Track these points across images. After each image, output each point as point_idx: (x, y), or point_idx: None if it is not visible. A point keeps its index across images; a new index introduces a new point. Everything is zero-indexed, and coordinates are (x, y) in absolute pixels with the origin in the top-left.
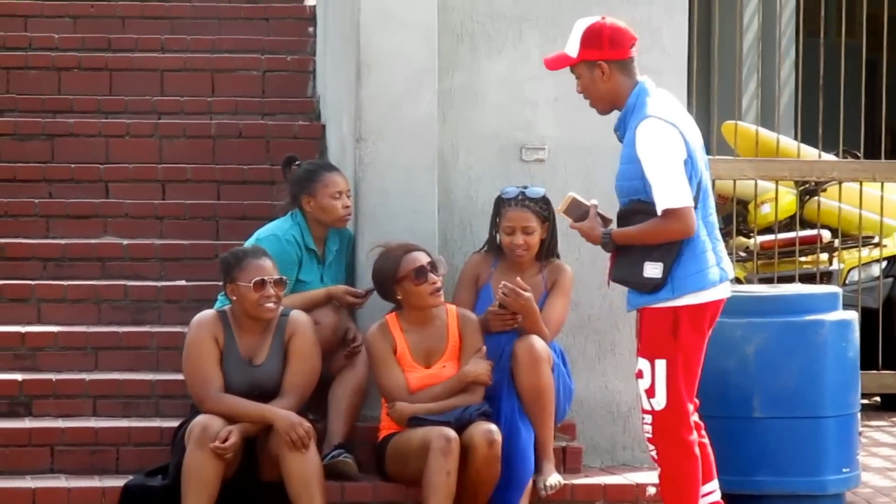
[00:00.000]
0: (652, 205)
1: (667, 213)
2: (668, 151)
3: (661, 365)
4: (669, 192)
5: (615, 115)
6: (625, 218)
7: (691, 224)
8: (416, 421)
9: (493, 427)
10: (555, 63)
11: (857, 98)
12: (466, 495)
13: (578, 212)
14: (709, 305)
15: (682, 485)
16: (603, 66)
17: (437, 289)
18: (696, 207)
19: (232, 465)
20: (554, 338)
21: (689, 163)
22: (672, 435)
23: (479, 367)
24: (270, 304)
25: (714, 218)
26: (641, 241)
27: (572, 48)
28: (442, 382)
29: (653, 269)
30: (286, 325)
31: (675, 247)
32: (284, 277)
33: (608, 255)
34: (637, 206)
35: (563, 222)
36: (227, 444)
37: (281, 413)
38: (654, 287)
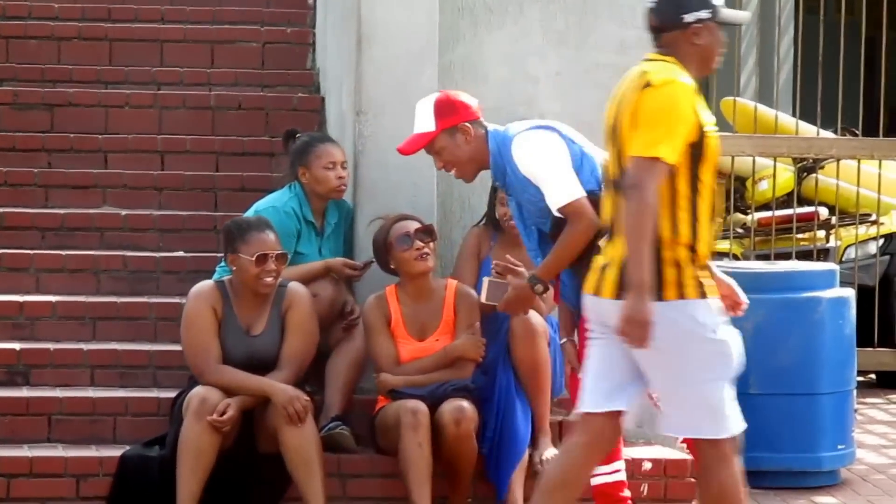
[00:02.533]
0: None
1: (563, 211)
2: (545, 153)
3: None
4: (558, 190)
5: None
6: (558, 229)
7: (591, 214)
8: (395, 394)
9: (465, 405)
10: (411, 145)
11: (856, 75)
12: (448, 471)
13: (500, 292)
14: None
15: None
16: (465, 127)
17: (421, 254)
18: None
19: (229, 436)
20: (550, 312)
21: (576, 148)
22: None
23: (468, 343)
24: (269, 279)
25: None
26: (565, 260)
27: (426, 124)
28: (429, 356)
29: None
30: (284, 297)
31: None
32: (286, 252)
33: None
34: (558, 219)
35: None
36: (225, 417)
37: (279, 387)
38: None
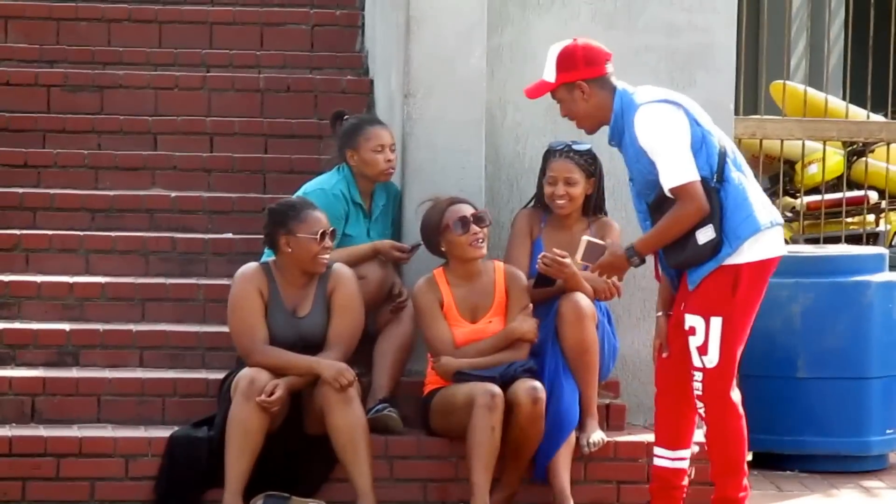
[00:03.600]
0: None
1: (674, 192)
2: (667, 130)
3: (716, 322)
4: (673, 170)
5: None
6: (658, 208)
7: (702, 199)
8: (461, 376)
9: (538, 384)
10: (535, 91)
11: None
12: (510, 452)
13: (596, 253)
14: (769, 263)
15: (729, 442)
16: (582, 85)
17: (477, 239)
18: (721, 172)
19: (277, 417)
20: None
21: (699, 131)
22: (720, 393)
23: (526, 325)
24: (326, 258)
25: (747, 168)
26: (666, 238)
27: (549, 74)
28: (488, 338)
29: (705, 234)
30: (329, 278)
31: (715, 205)
32: (335, 229)
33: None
34: (664, 196)
35: (610, 179)
36: (274, 397)
37: (325, 362)
38: (714, 249)
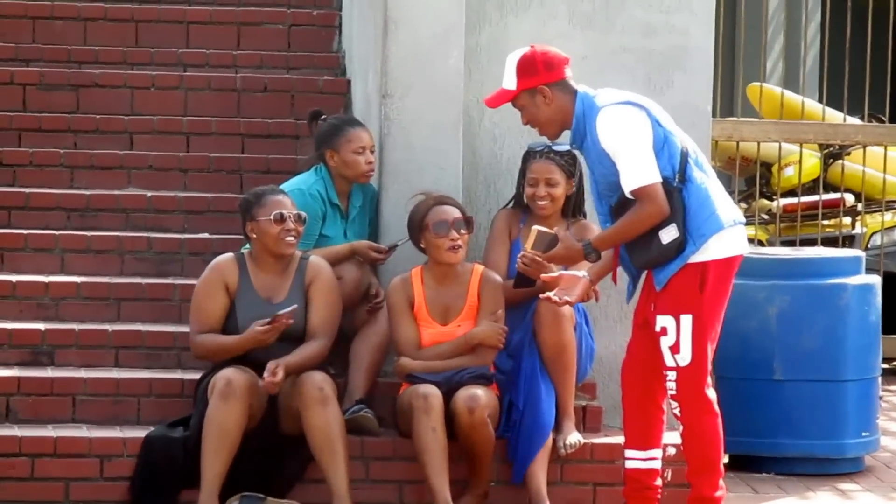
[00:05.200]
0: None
1: (635, 194)
2: (629, 132)
3: (686, 320)
4: (634, 172)
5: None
6: (621, 210)
7: (662, 201)
8: (412, 378)
9: (478, 392)
10: (496, 100)
11: (883, 61)
12: (466, 456)
13: (546, 242)
14: (734, 260)
15: (705, 441)
16: (544, 90)
17: (454, 246)
18: (683, 172)
19: (254, 418)
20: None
21: (661, 132)
22: (694, 391)
23: (489, 330)
24: (290, 239)
25: (709, 168)
26: (624, 237)
27: (510, 82)
28: (449, 341)
29: (669, 234)
30: (306, 269)
31: (678, 205)
32: (303, 214)
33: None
34: (626, 198)
35: (586, 181)
36: (278, 378)
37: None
38: (678, 248)
